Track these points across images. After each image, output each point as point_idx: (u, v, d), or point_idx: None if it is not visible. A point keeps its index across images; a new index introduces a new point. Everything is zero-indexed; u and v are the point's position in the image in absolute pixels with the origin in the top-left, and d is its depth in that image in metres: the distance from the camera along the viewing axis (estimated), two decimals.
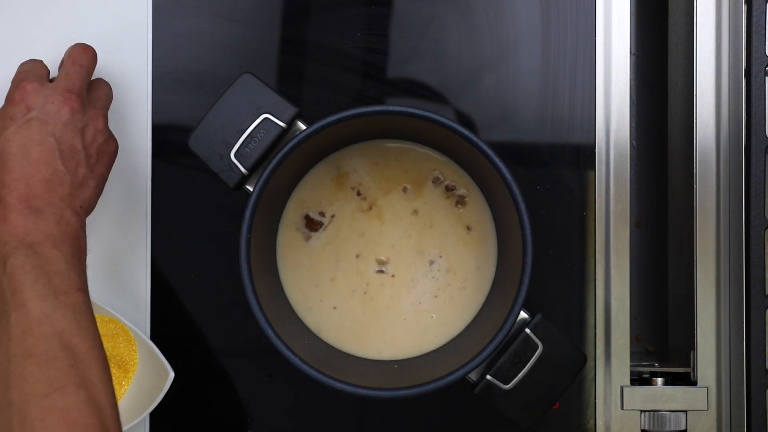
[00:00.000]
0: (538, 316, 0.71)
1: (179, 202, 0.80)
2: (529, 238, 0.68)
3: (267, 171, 0.69)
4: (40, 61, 0.73)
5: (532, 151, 0.80)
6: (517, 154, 0.80)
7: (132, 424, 0.76)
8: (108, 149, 0.71)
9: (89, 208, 0.70)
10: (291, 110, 0.70)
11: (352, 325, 0.76)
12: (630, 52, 0.79)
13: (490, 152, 0.68)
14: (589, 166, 0.79)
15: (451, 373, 0.68)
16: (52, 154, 0.66)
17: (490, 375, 0.70)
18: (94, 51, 0.73)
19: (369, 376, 0.72)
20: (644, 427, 0.77)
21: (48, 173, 0.66)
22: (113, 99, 0.75)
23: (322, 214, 0.76)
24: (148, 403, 0.76)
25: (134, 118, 0.79)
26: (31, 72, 0.71)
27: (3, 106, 0.70)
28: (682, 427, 0.77)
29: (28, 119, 0.67)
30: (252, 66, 0.80)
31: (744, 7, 0.75)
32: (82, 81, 0.71)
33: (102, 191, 0.71)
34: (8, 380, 0.58)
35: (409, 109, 0.68)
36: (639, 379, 0.78)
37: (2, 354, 0.59)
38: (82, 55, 0.72)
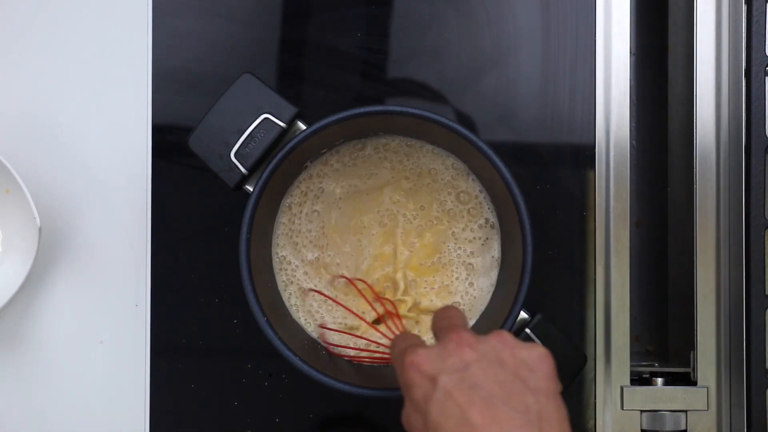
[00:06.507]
0: (538, 316, 0.71)
1: (179, 202, 0.79)
2: (529, 239, 0.68)
3: (267, 171, 0.69)
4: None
5: (532, 151, 0.80)
6: (517, 154, 0.80)
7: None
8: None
9: None
10: (291, 110, 0.70)
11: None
12: (630, 52, 0.79)
13: (490, 152, 0.68)
14: (589, 166, 0.79)
15: None
16: None
17: None
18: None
19: (369, 376, 0.72)
20: (644, 427, 0.77)
21: None
22: (113, 99, 0.74)
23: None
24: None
25: (134, 118, 0.79)
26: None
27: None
28: (682, 427, 0.77)
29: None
30: (252, 66, 0.80)
31: (744, 7, 0.75)
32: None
33: None
34: None
35: (409, 109, 0.68)
36: (639, 379, 0.78)
37: None
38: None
